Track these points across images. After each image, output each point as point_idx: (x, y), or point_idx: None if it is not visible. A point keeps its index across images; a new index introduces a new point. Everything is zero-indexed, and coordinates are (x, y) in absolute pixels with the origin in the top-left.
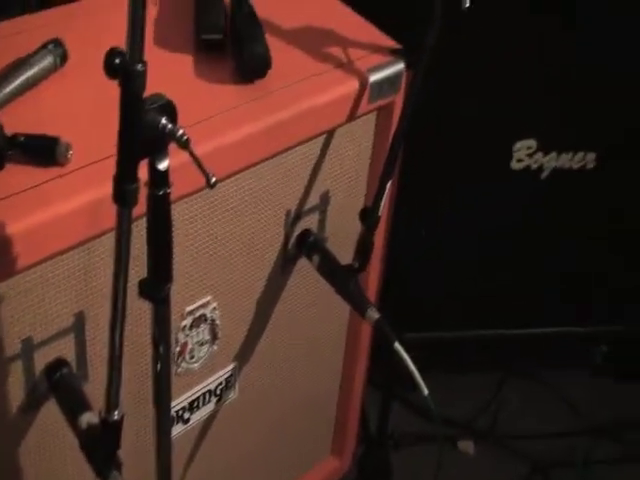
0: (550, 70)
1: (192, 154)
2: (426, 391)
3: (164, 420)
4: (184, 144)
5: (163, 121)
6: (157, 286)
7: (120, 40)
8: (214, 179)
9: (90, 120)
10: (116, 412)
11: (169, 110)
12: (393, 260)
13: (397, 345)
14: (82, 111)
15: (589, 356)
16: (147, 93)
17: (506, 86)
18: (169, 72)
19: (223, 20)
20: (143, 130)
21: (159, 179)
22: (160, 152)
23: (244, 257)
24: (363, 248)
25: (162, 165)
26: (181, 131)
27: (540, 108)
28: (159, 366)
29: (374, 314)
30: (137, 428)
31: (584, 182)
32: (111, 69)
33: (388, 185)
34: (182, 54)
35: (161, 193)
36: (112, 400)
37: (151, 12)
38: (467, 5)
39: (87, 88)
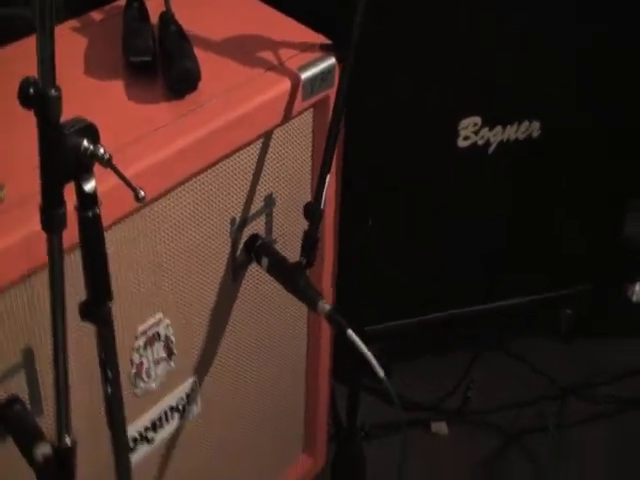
0: (486, 45)
1: (116, 171)
2: (382, 374)
3: (120, 443)
4: (106, 162)
5: (85, 143)
6: (97, 307)
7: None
8: (142, 193)
9: (20, 156)
10: (68, 438)
11: (90, 132)
12: (343, 253)
13: (350, 332)
14: (10, 148)
15: (555, 322)
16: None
17: (444, 67)
18: (101, 97)
19: (151, 41)
20: (65, 154)
21: (87, 201)
22: (85, 174)
23: (193, 270)
24: (308, 243)
25: (89, 186)
26: (102, 150)
27: (481, 84)
28: (109, 389)
29: (325, 306)
30: (97, 456)
31: (531, 152)
32: (26, 99)
33: (328, 178)
34: (113, 78)
35: (90, 214)
36: (62, 427)
37: (80, 39)
38: None
39: (12, 125)
